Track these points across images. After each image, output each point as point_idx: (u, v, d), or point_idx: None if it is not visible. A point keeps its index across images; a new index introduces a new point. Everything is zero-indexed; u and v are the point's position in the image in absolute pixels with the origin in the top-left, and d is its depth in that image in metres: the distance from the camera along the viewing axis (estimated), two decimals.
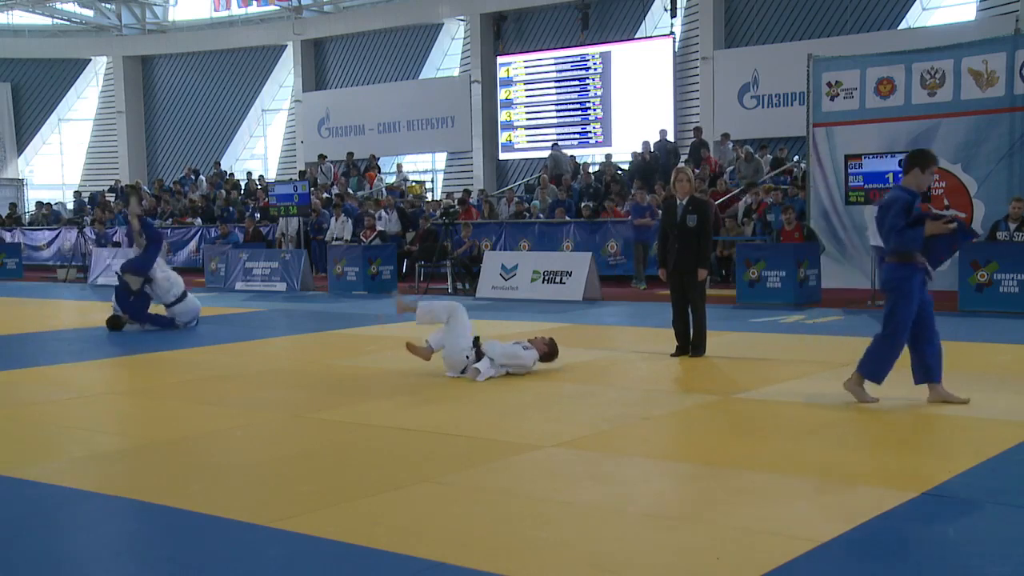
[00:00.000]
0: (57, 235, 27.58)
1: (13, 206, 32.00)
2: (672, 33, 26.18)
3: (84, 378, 9.42)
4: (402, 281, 19.26)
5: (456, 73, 30.85)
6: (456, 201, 22.10)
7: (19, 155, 37.44)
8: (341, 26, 32.42)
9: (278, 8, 33.31)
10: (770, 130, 23.85)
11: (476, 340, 8.54)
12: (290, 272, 19.28)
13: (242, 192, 27.97)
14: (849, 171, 13.94)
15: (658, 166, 22.15)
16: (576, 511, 4.84)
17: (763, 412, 7.10)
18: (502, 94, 28.96)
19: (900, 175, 13.29)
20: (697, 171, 19.19)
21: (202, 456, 6.14)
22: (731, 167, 21.36)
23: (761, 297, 14.30)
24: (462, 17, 30.34)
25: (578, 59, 27.53)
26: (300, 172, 28.79)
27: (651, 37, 26.77)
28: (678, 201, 9.52)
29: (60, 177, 38.02)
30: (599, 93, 27.23)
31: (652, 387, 8.26)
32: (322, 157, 27.70)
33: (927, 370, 7.01)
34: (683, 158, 22.22)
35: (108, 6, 36.14)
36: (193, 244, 24.40)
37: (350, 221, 21.31)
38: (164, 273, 12.97)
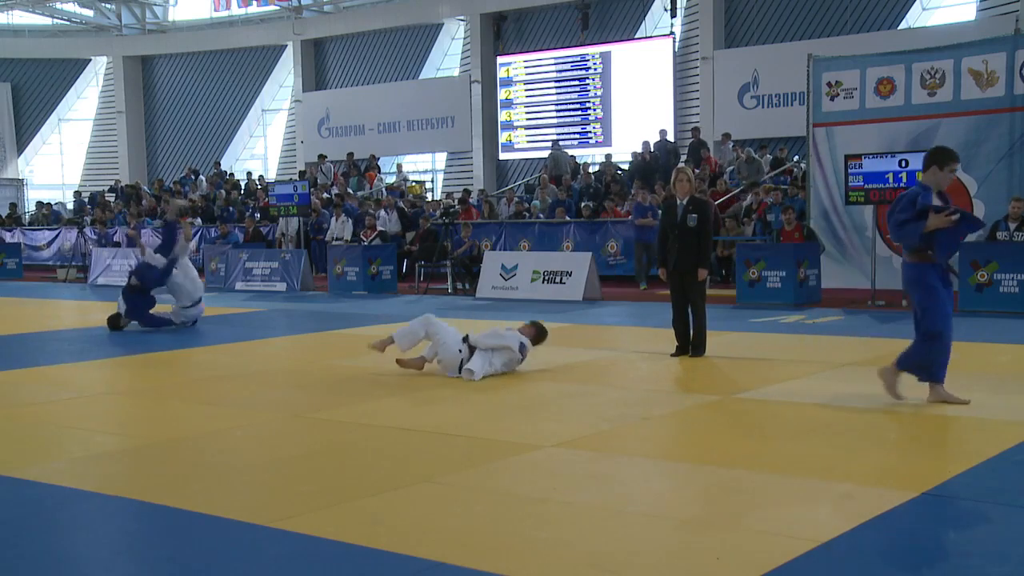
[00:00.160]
0: (57, 235, 27.58)
1: (13, 206, 31.99)
2: (672, 33, 26.18)
3: (84, 378, 9.41)
4: (402, 281, 19.24)
5: (456, 73, 30.85)
6: (456, 201, 22.11)
7: (19, 155, 37.45)
8: (341, 26, 32.41)
9: (278, 8, 33.30)
10: (770, 130, 23.86)
11: (466, 338, 8.57)
12: (290, 272, 19.28)
13: (242, 192, 27.95)
14: (849, 171, 13.93)
15: (658, 166, 22.14)
16: (576, 511, 4.83)
17: (763, 412, 7.10)
18: (502, 94, 28.96)
19: (900, 175, 13.44)
20: (697, 171, 19.19)
21: (202, 456, 6.13)
22: (731, 167, 21.36)
23: (761, 297, 14.31)
24: (462, 17, 30.33)
25: (578, 59, 27.53)
26: (300, 172, 28.79)
27: (651, 37, 26.77)
28: (678, 201, 9.53)
29: (60, 177, 38.01)
30: (599, 93, 27.23)
31: (652, 387, 8.26)
32: (322, 157, 27.69)
33: (927, 369, 7.01)
34: (683, 158, 22.22)
35: (108, 6, 36.14)
36: (193, 244, 24.35)
37: (350, 221, 21.31)
38: (189, 275, 12.89)
